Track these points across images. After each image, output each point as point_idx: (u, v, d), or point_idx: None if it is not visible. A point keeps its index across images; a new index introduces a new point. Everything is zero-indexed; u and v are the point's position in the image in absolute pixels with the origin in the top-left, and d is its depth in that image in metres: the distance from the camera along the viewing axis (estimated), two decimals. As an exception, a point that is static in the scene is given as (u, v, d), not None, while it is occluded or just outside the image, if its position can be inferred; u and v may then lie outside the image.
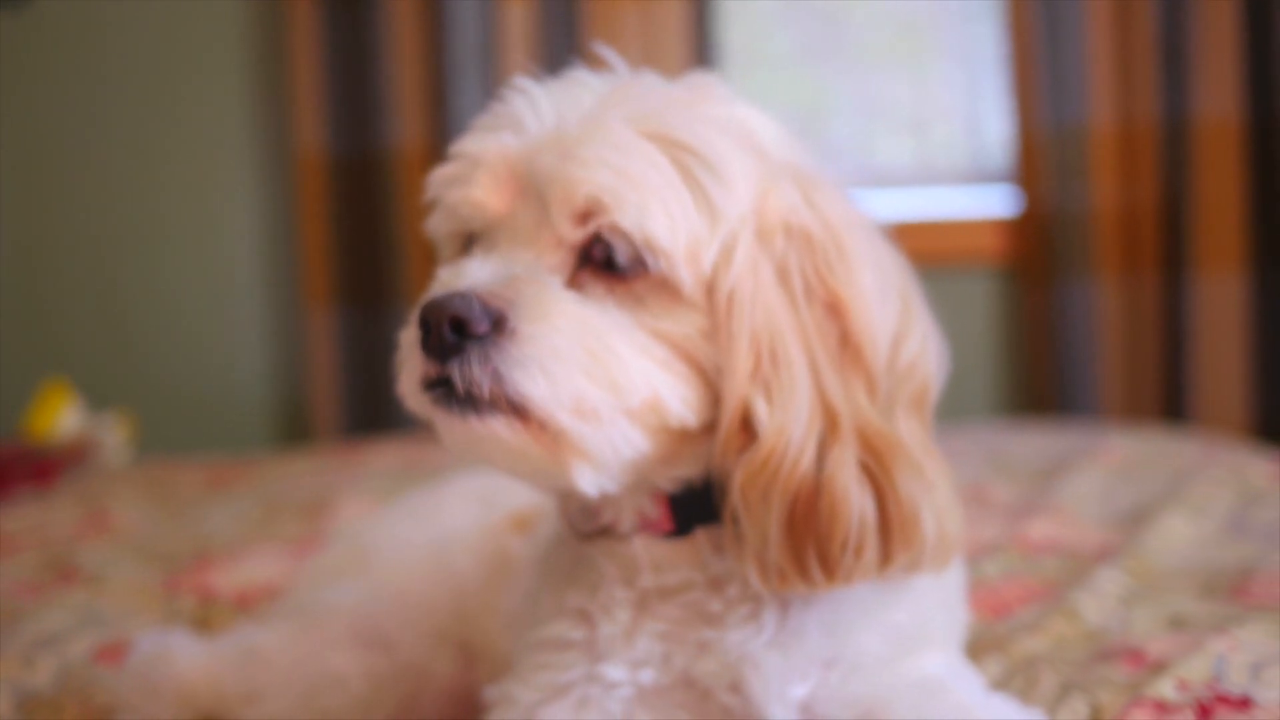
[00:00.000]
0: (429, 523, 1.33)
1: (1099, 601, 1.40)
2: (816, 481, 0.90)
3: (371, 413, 3.00)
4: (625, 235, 0.89)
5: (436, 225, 1.00)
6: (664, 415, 0.91)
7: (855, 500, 0.90)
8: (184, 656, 1.25)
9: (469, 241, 0.98)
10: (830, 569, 0.90)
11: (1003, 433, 2.52)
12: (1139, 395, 2.94)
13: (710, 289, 0.92)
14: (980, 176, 3.13)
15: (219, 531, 1.97)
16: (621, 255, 0.90)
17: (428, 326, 0.89)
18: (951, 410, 2.85)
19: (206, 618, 1.55)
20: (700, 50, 2.98)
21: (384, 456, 2.43)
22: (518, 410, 0.88)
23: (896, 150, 3.26)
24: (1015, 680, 1.19)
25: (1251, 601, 1.35)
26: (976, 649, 1.27)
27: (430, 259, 2.88)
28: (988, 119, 3.11)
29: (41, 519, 2.09)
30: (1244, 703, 1.06)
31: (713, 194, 0.91)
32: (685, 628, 0.97)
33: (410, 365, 0.92)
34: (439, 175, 0.98)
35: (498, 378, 0.87)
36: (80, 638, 1.47)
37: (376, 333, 2.99)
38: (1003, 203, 3.03)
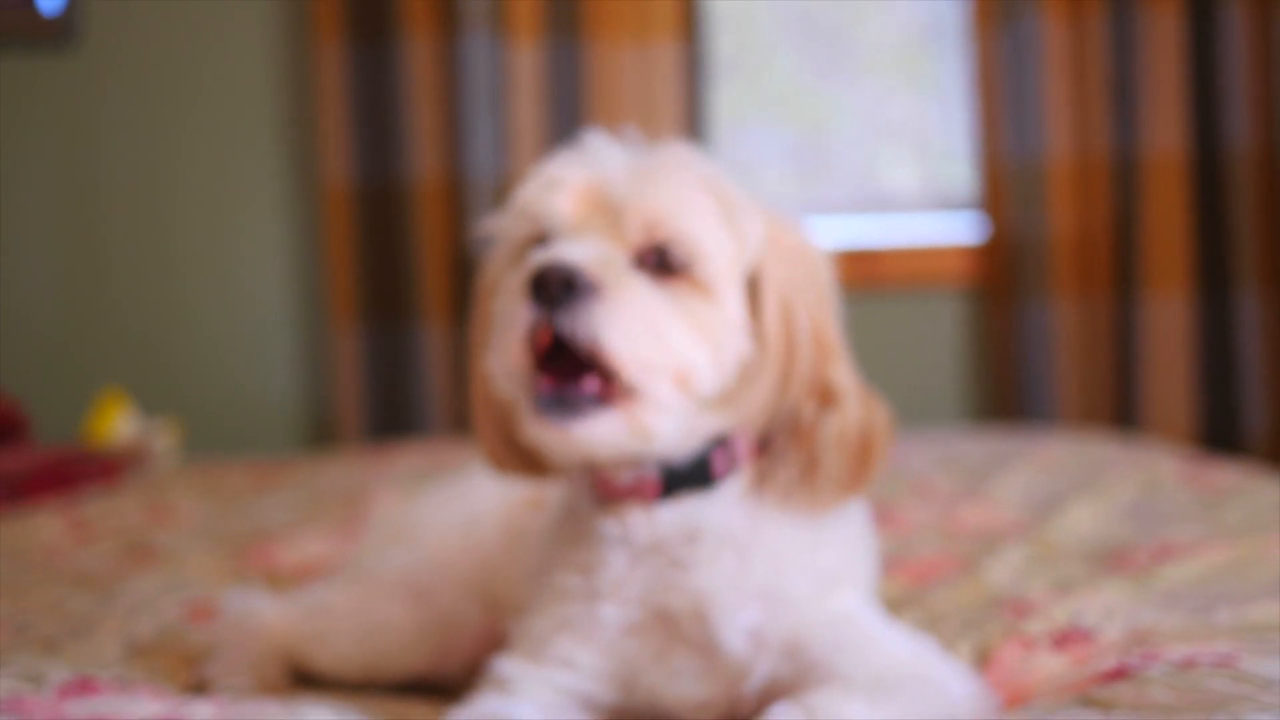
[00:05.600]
0: (460, 504, 1.58)
1: (1003, 569, 1.69)
2: (870, 428, 1.24)
3: (392, 419, 3.20)
4: (682, 244, 1.18)
5: (510, 228, 1.25)
6: (692, 381, 1.18)
7: (886, 435, 1.25)
8: (267, 609, 1.51)
9: (532, 246, 1.22)
10: (870, 478, 1.25)
11: (957, 436, 2.79)
12: (1093, 405, 3.17)
13: (752, 294, 1.22)
14: (951, 204, 3.38)
15: (272, 519, 2.22)
16: (676, 259, 1.18)
17: (541, 283, 1.13)
18: (925, 417, 3.13)
19: (273, 586, 1.79)
20: (695, 79, 3.19)
21: (409, 457, 2.67)
22: (600, 369, 1.15)
23: (887, 175, 3.49)
24: (924, 627, 1.47)
25: (1124, 568, 1.65)
26: (899, 605, 1.56)
27: (442, 281, 3.12)
28: (960, 151, 3.35)
29: (113, 510, 2.33)
30: (1088, 636, 1.36)
31: (741, 226, 1.21)
32: (663, 572, 1.24)
33: (516, 321, 1.16)
34: (526, 188, 1.24)
35: (589, 327, 1.13)
36: (170, 602, 1.70)
37: (396, 347, 3.19)
38: (971, 229, 3.27)
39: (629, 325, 1.14)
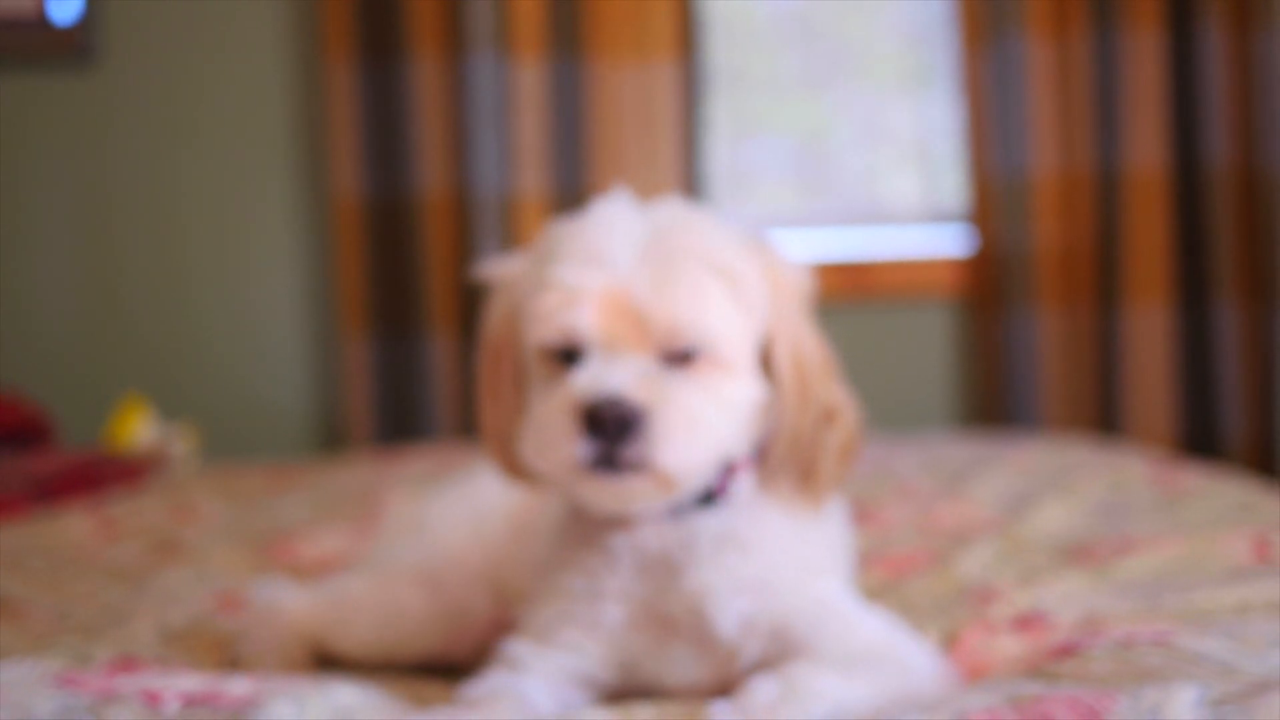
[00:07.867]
0: (469, 501, 1.68)
1: (973, 562, 1.81)
2: (855, 433, 1.38)
3: (400, 424, 3.29)
4: (704, 341, 1.29)
5: (544, 338, 1.31)
6: (726, 451, 1.32)
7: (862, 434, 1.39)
8: (291, 598, 1.63)
9: (565, 352, 1.31)
10: (850, 472, 1.39)
11: (942, 440, 2.90)
12: (1077, 411, 3.26)
13: (766, 354, 1.34)
14: (943, 216, 3.48)
15: (291, 517, 2.32)
16: (697, 353, 1.29)
17: (596, 418, 1.24)
18: (914, 423, 3.25)
19: (296, 578, 1.89)
20: (693, 93, 3.28)
21: (418, 460, 2.78)
22: (651, 470, 1.27)
23: (882, 186, 3.59)
24: (898, 613, 1.59)
25: (1086, 561, 1.77)
26: (877, 595, 1.68)
27: (449, 292, 3.22)
28: (952, 165, 3.45)
29: (139, 510, 2.42)
30: (1046, 620, 1.48)
31: (747, 298, 1.33)
32: (665, 579, 1.36)
33: (566, 441, 1.27)
34: (547, 303, 1.30)
35: (646, 451, 1.25)
36: (200, 593, 1.81)
37: (404, 355, 3.29)
38: (960, 242, 3.37)
39: (679, 439, 1.26)
